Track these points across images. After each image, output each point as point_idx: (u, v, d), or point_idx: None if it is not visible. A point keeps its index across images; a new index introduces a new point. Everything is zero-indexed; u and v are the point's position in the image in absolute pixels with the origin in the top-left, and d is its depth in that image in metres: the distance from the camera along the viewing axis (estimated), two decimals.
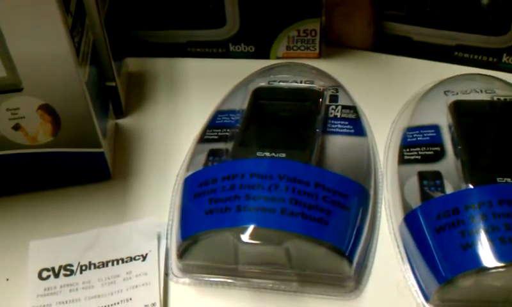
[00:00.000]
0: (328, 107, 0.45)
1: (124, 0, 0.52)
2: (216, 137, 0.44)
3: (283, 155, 0.39)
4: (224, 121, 0.46)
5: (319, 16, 0.52)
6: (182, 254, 0.37)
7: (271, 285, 0.37)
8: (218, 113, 0.47)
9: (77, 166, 0.43)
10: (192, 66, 0.56)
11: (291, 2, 0.51)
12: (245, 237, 0.35)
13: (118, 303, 0.35)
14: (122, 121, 0.50)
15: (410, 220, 0.38)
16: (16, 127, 0.41)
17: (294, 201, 0.36)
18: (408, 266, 0.37)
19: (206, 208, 0.37)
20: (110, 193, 0.44)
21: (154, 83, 0.54)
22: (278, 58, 0.55)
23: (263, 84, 0.48)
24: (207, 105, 0.49)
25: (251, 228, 0.35)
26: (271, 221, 0.35)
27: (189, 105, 0.52)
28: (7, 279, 0.39)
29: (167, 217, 0.42)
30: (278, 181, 0.37)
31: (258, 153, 0.40)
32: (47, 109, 0.40)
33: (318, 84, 0.47)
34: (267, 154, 0.40)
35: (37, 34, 0.36)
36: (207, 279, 0.37)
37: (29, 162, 0.42)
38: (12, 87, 0.39)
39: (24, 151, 0.42)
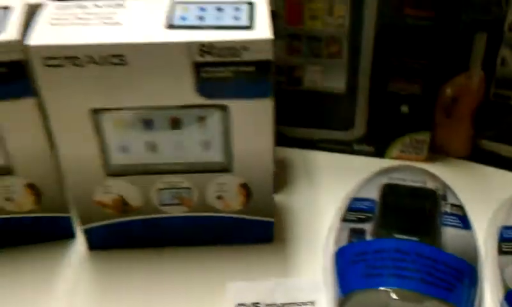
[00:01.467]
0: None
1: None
2: (354, 218, 0.58)
3: (416, 238, 0.53)
4: (360, 206, 0.60)
5: (430, 130, 0.67)
6: (342, 305, 0.51)
7: None
8: (354, 199, 0.61)
9: (253, 229, 0.58)
10: (322, 158, 0.71)
11: (408, 116, 0.66)
12: (394, 296, 0.49)
13: None
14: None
15: (510, 298, 0.51)
16: (219, 197, 0.56)
17: (429, 273, 0.50)
18: None
19: (362, 273, 0.51)
20: (273, 253, 0.58)
21: (293, 168, 0.69)
22: (391, 158, 0.70)
23: (387, 181, 0.62)
24: (336, 191, 0.64)
25: (398, 289, 0.49)
26: (414, 286, 0.49)
27: (322, 190, 0.67)
28: None
29: (321, 276, 0.55)
30: (416, 258, 0.51)
31: (396, 236, 0.54)
32: (245, 186, 0.55)
33: (430, 184, 0.61)
34: (404, 237, 0.54)
35: (253, 136, 0.51)
36: None
37: (220, 223, 0.57)
38: (224, 169, 0.54)
39: (219, 214, 0.56)
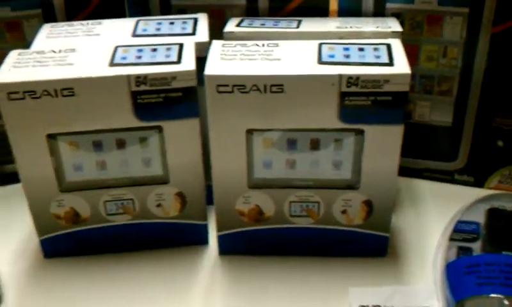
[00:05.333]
0: None
1: None
2: (460, 238, 0.65)
3: None
4: (465, 228, 0.66)
5: None
6: None
7: None
8: (459, 222, 0.68)
9: (370, 243, 0.65)
10: (425, 186, 0.78)
11: (508, 149, 0.73)
12: (506, 302, 0.55)
13: None
14: None
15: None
16: (343, 212, 0.64)
17: None
18: None
19: (474, 282, 0.58)
20: (387, 265, 0.66)
21: (399, 194, 0.77)
22: (489, 188, 0.76)
23: (489, 206, 0.68)
24: (439, 215, 0.71)
25: (509, 297, 0.55)
26: None
27: (426, 213, 0.74)
28: None
29: (432, 286, 0.62)
30: None
31: (504, 252, 0.60)
32: (368, 203, 0.62)
33: None
34: (510, 253, 0.60)
35: (382, 158, 0.59)
36: None
37: (342, 235, 0.65)
38: (351, 186, 0.62)
39: (342, 228, 0.64)
